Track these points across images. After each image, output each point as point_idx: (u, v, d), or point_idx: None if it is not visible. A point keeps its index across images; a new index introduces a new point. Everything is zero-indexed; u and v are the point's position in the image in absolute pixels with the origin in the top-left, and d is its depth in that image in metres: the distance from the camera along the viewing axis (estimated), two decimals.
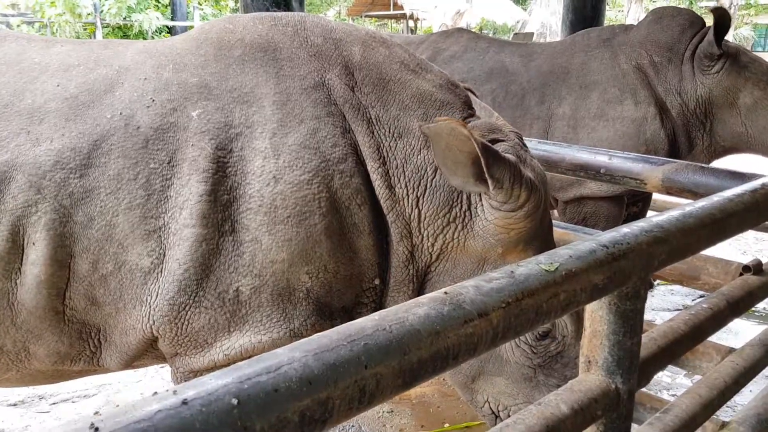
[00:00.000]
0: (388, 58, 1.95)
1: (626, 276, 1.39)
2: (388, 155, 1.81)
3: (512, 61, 4.06)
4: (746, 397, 2.64)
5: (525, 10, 28.90)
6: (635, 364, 1.49)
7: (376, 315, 1.01)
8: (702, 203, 1.72)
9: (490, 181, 1.68)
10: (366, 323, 0.97)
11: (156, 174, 1.71)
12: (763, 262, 2.31)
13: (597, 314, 1.45)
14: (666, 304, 4.04)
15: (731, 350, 2.22)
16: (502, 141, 1.90)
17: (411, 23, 30.36)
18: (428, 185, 1.81)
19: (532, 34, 22.37)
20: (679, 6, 4.24)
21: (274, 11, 3.70)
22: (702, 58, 3.55)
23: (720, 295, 1.97)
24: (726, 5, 22.03)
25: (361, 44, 1.95)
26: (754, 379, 2.69)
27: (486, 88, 3.99)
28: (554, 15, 18.92)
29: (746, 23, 31.00)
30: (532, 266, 1.22)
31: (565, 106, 3.78)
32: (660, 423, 1.75)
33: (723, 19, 3.44)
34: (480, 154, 1.60)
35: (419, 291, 1.93)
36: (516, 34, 23.40)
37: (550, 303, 1.20)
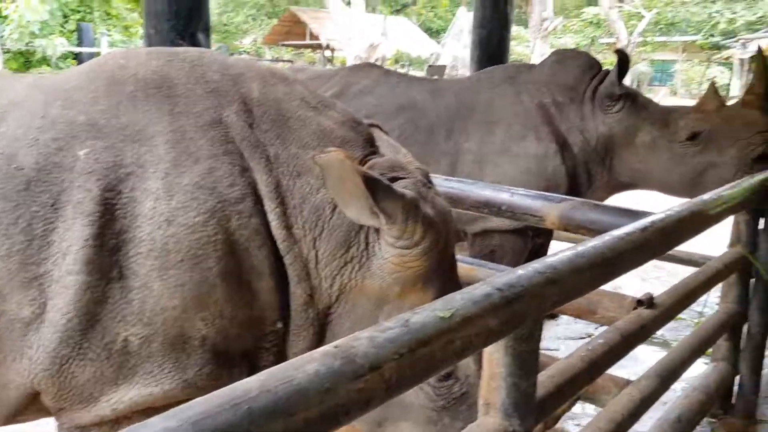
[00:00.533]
0: (288, 95, 1.93)
1: (521, 318, 1.41)
2: (286, 195, 1.78)
3: (421, 97, 4.13)
4: (645, 424, 2.73)
5: (439, 43, 29.71)
6: (532, 404, 1.50)
7: (263, 374, 0.97)
8: (594, 242, 1.77)
9: (381, 216, 1.67)
10: (251, 384, 0.93)
11: (38, 218, 1.61)
12: (663, 289, 2.42)
13: (494, 357, 1.46)
14: (570, 333, 4.16)
15: (628, 382, 2.30)
16: (403, 178, 1.90)
17: (328, 53, 30.61)
18: (326, 225, 1.78)
19: (445, 66, 22.98)
20: (579, 49, 4.45)
21: (179, 43, 3.64)
22: (603, 98, 3.72)
23: (615, 330, 2.04)
24: (624, 43, 23.43)
25: (260, 80, 1.92)
26: (653, 406, 2.81)
27: (395, 123, 4.03)
28: (466, 48, 19.47)
29: (643, 59, 33.02)
30: (428, 313, 1.21)
31: (472, 142, 3.87)
32: None
33: (624, 59, 3.63)
34: (366, 188, 1.58)
35: (320, 334, 1.89)
36: (430, 66, 23.98)
37: (444, 351, 1.20)
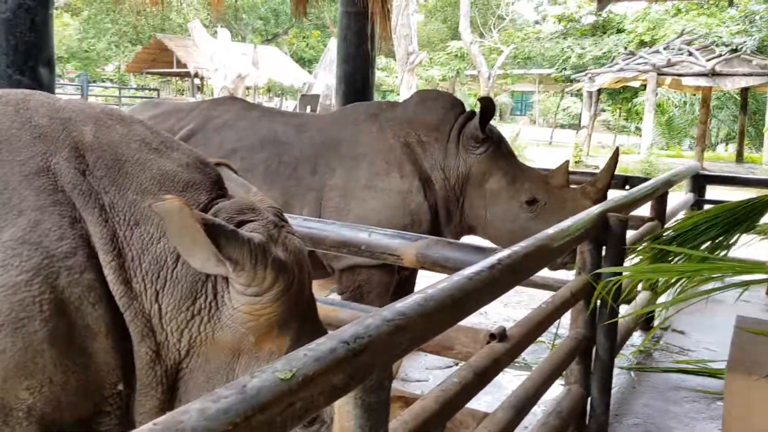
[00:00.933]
0: (125, 137, 1.82)
1: (368, 370, 1.39)
2: (123, 246, 1.67)
3: (285, 131, 4.10)
4: None
5: (311, 73, 29.88)
6: None
7: None
8: (443, 284, 1.80)
9: (227, 263, 1.61)
10: None
11: None
12: (525, 312, 2.51)
13: (344, 410, 1.44)
14: (438, 363, 4.24)
15: (485, 415, 2.35)
16: (253, 221, 1.84)
17: (197, 81, 29.89)
18: (168, 277, 1.69)
19: (319, 96, 23.11)
20: (440, 90, 4.59)
21: (18, 79, 3.39)
22: (469, 138, 3.84)
23: (468, 367, 2.08)
24: (485, 76, 24.69)
25: (93, 123, 1.80)
26: None
27: (259, 158, 3.98)
28: None
29: (504, 90, 34.95)
30: (267, 376, 1.17)
31: (337, 177, 3.89)
32: None
33: (488, 106, 3.76)
34: (208, 235, 1.52)
35: (171, 391, 1.79)
36: (303, 95, 24.00)
37: (284, 414, 1.16)
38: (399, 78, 20.67)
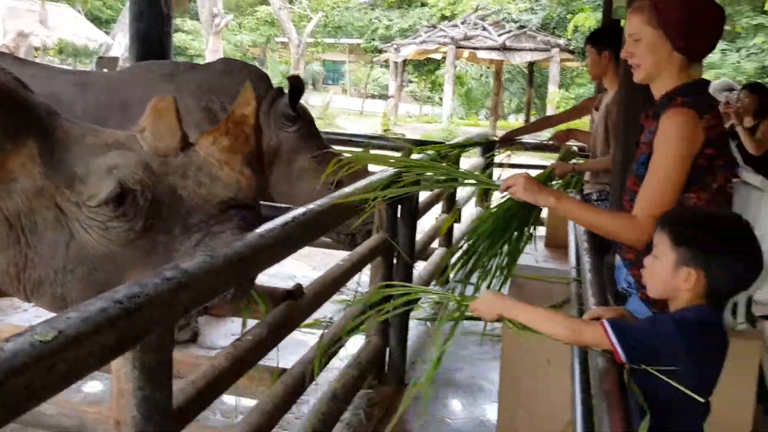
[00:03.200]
0: None
1: (146, 330, 1.36)
2: None
3: (66, 90, 3.76)
4: (308, 405, 2.89)
5: (108, 33, 27.64)
6: (168, 415, 1.47)
7: None
8: (234, 242, 1.79)
9: None
10: None
11: None
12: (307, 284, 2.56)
13: (121, 372, 1.39)
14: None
15: (284, 371, 2.39)
16: None
17: None
18: None
19: (118, 58, 21.46)
20: (246, 62, 4.45)
21: None
22: (280, 116, 3.77)
23: (263, 325, 2.10)
24: (296, 43, 24.52)
25: None
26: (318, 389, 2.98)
27: None
28: None
29: (316, 59, 34.98)
30: (25, 338, 1.10)
31: None
32: None
33: (297, 85, 3.70)
34: None
35: None
36: (100, 58, 22.12)
37: (47, 378, 1.10)
38: (205, 41, 19.84)
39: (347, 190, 2.74)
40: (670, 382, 1.41)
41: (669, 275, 1.53)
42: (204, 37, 21.31)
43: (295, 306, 2.29)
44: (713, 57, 16.26)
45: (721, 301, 1.55)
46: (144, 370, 1.38)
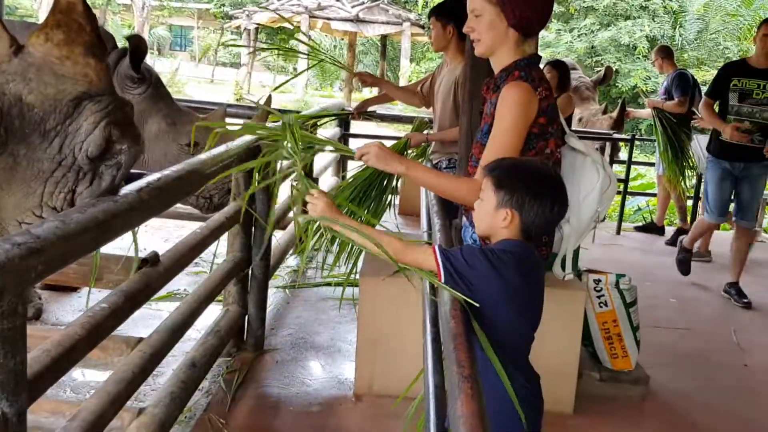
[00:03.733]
0: None
1: None
2: None
3: None
4: (165, 377, 2.86)
5: None
6: (22, 383, 1.43)
7: None
8: (87, 208, 1.74)
9: None
10: None
11: None
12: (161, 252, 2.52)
13: None
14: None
15: (140, 340, 2.36)
16: None
17: None
18: None
19: None
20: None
21: None
22: (124, 78, 3.56)
23: (119, 292, 2.06)
24: (139, 6, 23.12)
25: None
26: (175, 360, 2.95)
27: None
28: None
29: (162, 23, 33.18)
30: None
31: None
32: None
33: (139, 45, 3.49)
34: None
35: None
36: None
37: None
38: (38, 1, 18.18)
39: (203, 156, 2.71)
40: (464, 297, 1.63)
41: (491, 216, 1.76)
42: None
43: (152, 273, 2.26)
44: (549, 37, 17.47)
45: (533, 238, 1.79)
46: None
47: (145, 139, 3.67)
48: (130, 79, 3.55)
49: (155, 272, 2.26)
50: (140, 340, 2.35)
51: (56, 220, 1.59)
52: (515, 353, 1.73)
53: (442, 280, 1.69)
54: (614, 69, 7.50)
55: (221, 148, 2.90)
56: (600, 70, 8.88)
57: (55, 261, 1.53)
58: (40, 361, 1.57)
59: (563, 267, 2.17)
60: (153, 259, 2.30)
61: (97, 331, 1.83)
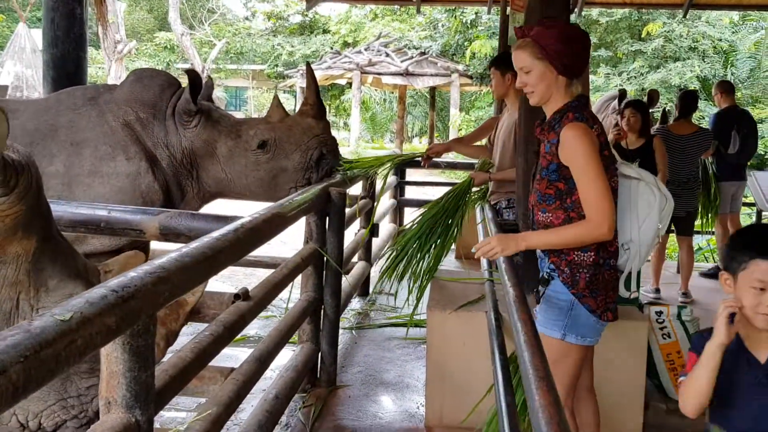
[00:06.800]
0: None
1: (136, 315, 1.54)
2: None
3: None
4: (250, 404, 3.06)
5: None
6: (151, 394, 1.65)
7: None
8: (195, 244, 1.99)
9: None
10: None
11: None
12: (250, 289, 2.75)
13: (112, 356, 1.57)
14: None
15: (233, 369, 2.58)
16: None
17: None
18: None
19: (7, 87, 20.54)
20: (157, 68, 4.55)
21: None
22: (181, 114, 3.89)
23: (218, 322, 2.29)
24: (199, 69, 24.31)
25: None
26: (255, 396, 3.15)
27: None
28: (30, 68, 17.74)
29: (218, 85, 34.67)
30: (47, 318, 1.27)
31: (58, 164, 3.72)
32: None
33: (195, 79, 3.84)
34: None
35: None
36: None
37: (68, 350, 1.27)
38: (107, 69, 19.36)
39: (284, 201, 2.97)
40: None
41: None
42: (104, 64, 20.77)
43: (244, 307, 2.49)
44: (598, 81, 17.58)
45: None
46: (133, 353, 1.56)
47: (221, 161, 3.97)
48: (187, 114, 3.84)
49: (247, 306, 2.49)
50: (232, 369, 2.57)
51: (176, 253, 1.84)
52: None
53: None
54: (667, 110, 7.48)
55: (297, 196, 3.16)
56: (655, 111, 8.92)
57: (178, 288, 1.77)
58: (161, 379, 1.80)
59: (627, 287, 2.30)
60: (244, 295, 2.54)
61: (203, 355, 2.05)
